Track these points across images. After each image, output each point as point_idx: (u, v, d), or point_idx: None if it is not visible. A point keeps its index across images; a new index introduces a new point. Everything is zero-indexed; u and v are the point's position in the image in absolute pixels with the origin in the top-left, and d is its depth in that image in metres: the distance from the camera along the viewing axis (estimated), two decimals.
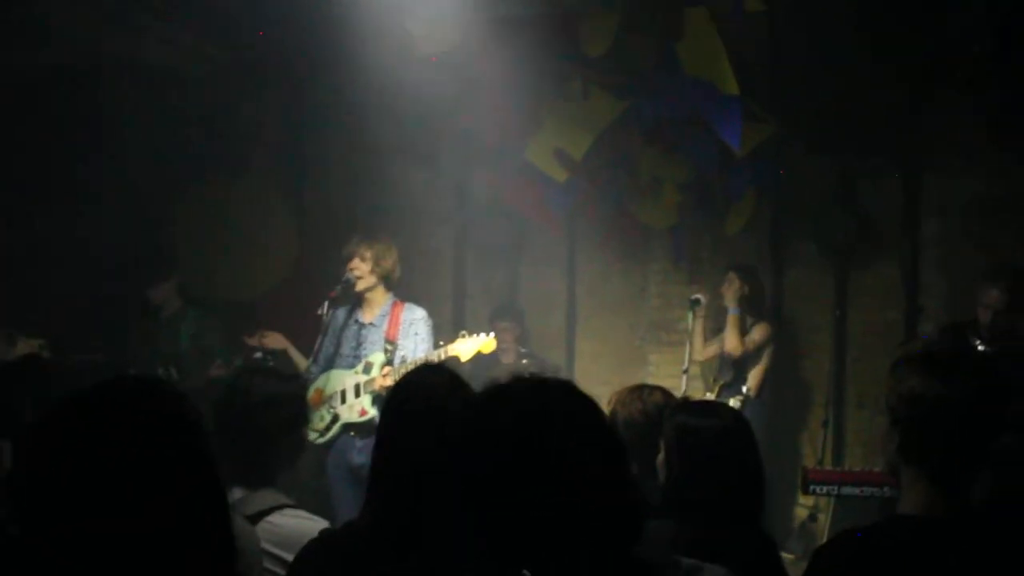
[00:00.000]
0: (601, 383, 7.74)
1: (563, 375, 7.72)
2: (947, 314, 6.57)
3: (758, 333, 6.72)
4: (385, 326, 5.55)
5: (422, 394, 2.55)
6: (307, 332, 5.73)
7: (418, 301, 5.73)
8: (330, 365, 5.67)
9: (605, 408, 3.47)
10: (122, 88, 6.25)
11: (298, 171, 7.97)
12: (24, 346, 4.38)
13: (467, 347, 5.36)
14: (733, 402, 6.13)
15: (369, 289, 5.56)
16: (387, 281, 5.59)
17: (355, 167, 7.83)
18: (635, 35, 5.86)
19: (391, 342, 5.49)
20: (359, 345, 5.58)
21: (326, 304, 5.63)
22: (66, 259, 6.34)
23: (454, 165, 7.75)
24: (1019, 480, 2.79)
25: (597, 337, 7.98)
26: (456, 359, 5.34)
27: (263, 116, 7.48)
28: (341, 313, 5.71)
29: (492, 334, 5.51)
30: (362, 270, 5.53)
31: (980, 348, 5.38)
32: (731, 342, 6.65)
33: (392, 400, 2.66)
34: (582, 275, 8.00)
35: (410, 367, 5.25)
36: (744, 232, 7.21)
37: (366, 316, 5.62)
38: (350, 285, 5.62)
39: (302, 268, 7.45)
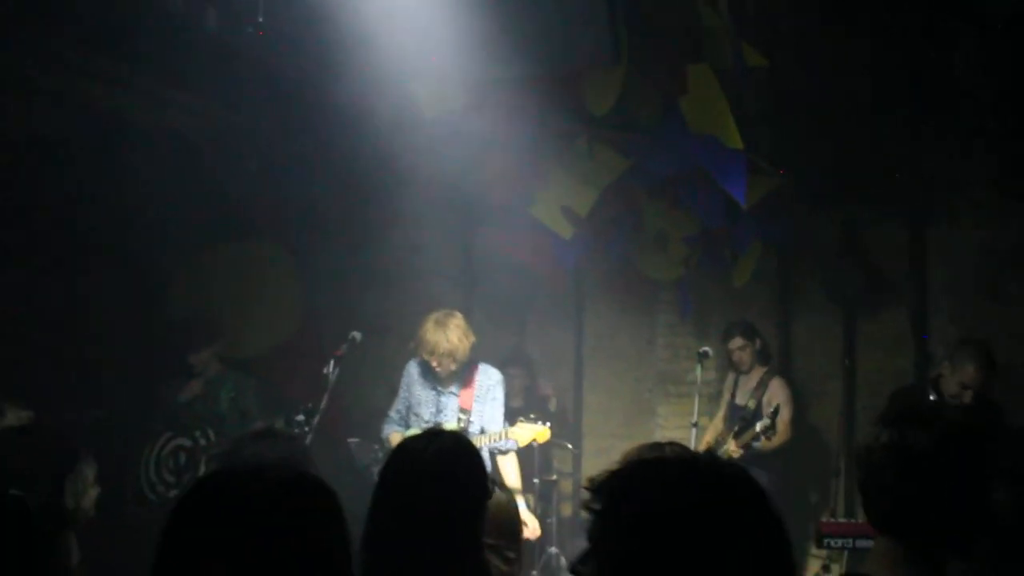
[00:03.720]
0: (609, 436, 7.75)
1: (570, 425, 7.71)
2: None
3: (781, 398, 6.61)
4: (460, 393, 5.54)
5: (419, 458, 2.57)
6: (309, 391, 5.71)
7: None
8: (405, 423, 5.70)
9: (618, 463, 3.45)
10: (132, 152, 6.30)
11: (302, 230, 8.01)
12: (12, 416, 4.34)
13: (524, 433, 5.34)
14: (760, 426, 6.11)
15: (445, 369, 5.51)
16: (461, 361, 5.49)
17: (360, 225, 7.87)
18: (639, 92, 5.91)
19: (465, 411, 5.46)
20: (438, 412, 5.56)
21: (332, 363, 5.61)
22: (64, 320, 6.35)
23: (461, 223, 7.80)
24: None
25: (605, 390, 7.97)
26: (514, 442, 5.36)
27: (267, 177, 7.53)
28: (414, 368, 5.69)
29: (548, 424, 5.44)
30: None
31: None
32: (782, 437, 6.50)
33: (392, 464, 2.65)
34: (589, 329, 8.00)
35: (484, 439, 5.31)
36: (751, 283, 7.21)
37: (444, 383, 5.59)
38: (355, 343, 5.63)
39: (308, 327, 7.47)
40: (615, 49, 5.00)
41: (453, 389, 5.57)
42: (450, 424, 5.44)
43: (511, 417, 7.17)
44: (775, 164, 6.48)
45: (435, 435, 2.72)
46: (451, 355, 5.38)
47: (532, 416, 7.01)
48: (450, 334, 5.39)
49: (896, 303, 7.20)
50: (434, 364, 5.44)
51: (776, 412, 6.25)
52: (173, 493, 6.31)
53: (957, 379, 5.42)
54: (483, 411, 5.49)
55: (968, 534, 1.99)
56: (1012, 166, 6.43)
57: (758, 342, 6.84)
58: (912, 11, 6.36)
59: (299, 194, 7.56)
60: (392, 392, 7.97)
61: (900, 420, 2.05)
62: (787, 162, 6.62)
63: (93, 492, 3.38)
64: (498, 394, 5.53)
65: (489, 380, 5.55)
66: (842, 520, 5.86)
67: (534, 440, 5.40)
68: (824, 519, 5.58)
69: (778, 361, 7.27)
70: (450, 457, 2.62)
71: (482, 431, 5.43)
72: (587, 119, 6.14)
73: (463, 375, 5.55)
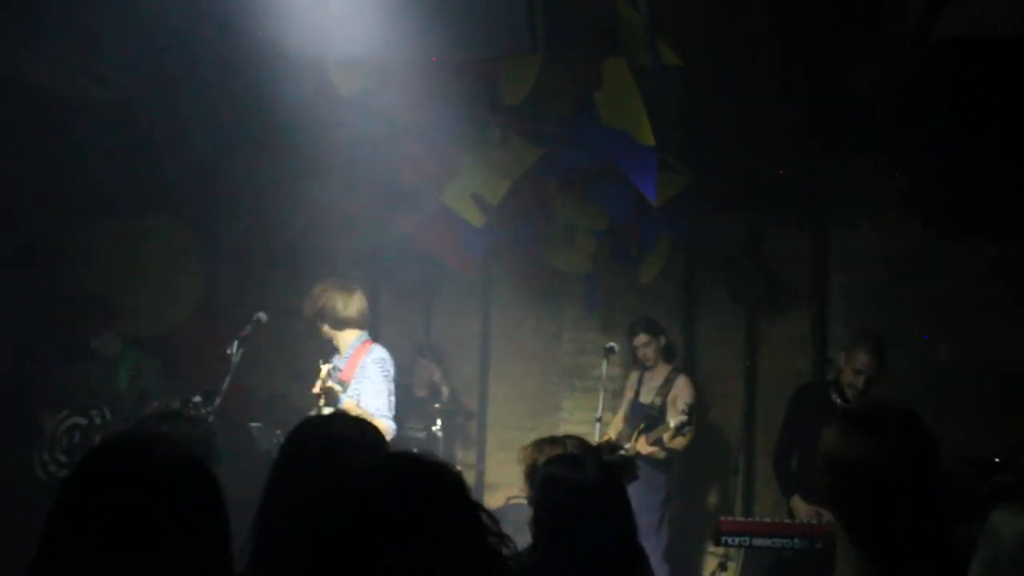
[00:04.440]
0: (514, 428, 7.74)
1: (475, 419, 7.70)
2: None
3: (687, 396, 6.66)
4: (344, 367, 5.48)
5: (322, 445, 2.47)
6: (215, 371, 5.58)
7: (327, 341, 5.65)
8: None
9: (523, 457, 3.44)
10: (24, 119, 6.05)
11: (208, 207, 7.82)
12: None
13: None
14: (675, 423, 6.20)
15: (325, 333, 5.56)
16: (334, 321, 5.53)
17: (269, 205, 7.73)
18: (553, 84, 5.91)
19: (343, 383, 5.38)
20: (328, 380, 5.42)
21: (236, 343, 5.49)
22: None
23: (370, 205, 7.70)
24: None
25: (510, 382, 7.96)
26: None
27: (173, 149, 7.33)
28: None
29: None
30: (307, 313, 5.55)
31: (838, 401, 5.62)
32: (680, 444, 6.53)
33: (288, 447, 2.55)
34: (496, 320, 7.99)
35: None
36: (657, 280, 7.28)
37: (339, 355, 5.58)
38: (260, 324, 5.52)
39: (212, 306, 7.30)
40: (532, 39, 4.97)
41: (339, 362, 5.52)
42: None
43: (415, 406, 7.16)
44: (685, 163, 6.56)
45: (328, 419, 2.64)
46: (319, 316, 5.52)
47: (438, 406, 7.04)
48: (314, 294, 5.53)
49: (796, 306, 7.36)
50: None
51: (694, 409, 6.32)
52: (64, 472, 6.14)
53: (850, 366, 5.56)
54: (360, 388, 5.41)
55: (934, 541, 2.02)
56: (908, 179, 6.62)
57: (662, 339, 6.85)
58: (821, 27, 6.50)
59: (204, 168, 7.38)
60: (295, 377, 7.88)
61: (879, 426, 2.04)
62: (696, 162, 6.70)
63: None
64: (373, 372, 5.41)
65: (368, 357, 5.48)
66: (740, 519, 5.96)
67: None
68: (723, 517, 5.66)
69: (682, 360, 7.36)
70: (345, 440, 2.55)
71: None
72: (501, 108, 6.12)
73: (351, 351, 5.52)
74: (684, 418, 6.22)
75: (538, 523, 2.82)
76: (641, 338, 6.84)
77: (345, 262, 7.92)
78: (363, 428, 2.60)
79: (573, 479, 2.80)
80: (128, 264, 7.02)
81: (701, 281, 7.56)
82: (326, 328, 5.56)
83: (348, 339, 5.57)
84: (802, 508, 5.56)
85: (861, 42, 6.18)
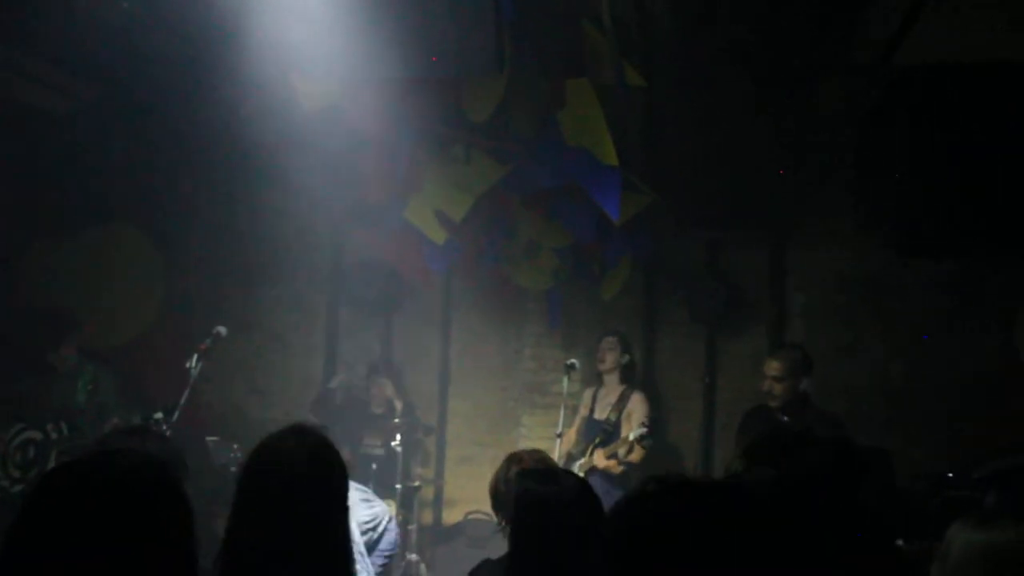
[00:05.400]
0: (473, 444, 7.74)
1: (435, 435, 7.68)
2: (809, 383, 6.78)
3: (642, 412, 6.63)
4: None
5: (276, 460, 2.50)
6: (173, 385, 5.51)
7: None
8: None
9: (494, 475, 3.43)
10: None
11: (167, 218, 7.74)
12: None
13: None
14: (634, 435, 6.22)
15: None
16: None
17: (227, 217, 7.68)
18: (518, 103, 5.94)
19: None
20: None
21: (195, 357, 5.44)
22: None
23: (331, 220, 7.68)
24: None
25: (470, 398, 7.94)
26: None
27: (133, 159, 7.26)
28: None
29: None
30: None
31: (785, 420, 5.71)
32: (637, 456, 6.49)
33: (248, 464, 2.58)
34: (457, 335, 7.97)
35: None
36: (618, 298, 7.31)
37: None
38: (219, 338, 5.49)
39: (170, 319, 7.23)
40: (498, 57, 5.00)
41: None
42: None
43: (372, 423, 7.13)
44: (648, 183, 6.61)
45: (300, 432, 2.63)
46: None
47: (396, 421, 7.01)
48: None
49: (756, 324, 7.42)
50: None
51: (649, 423, 6.34)
52: (18, 488, 6.05)
53: (766, 374, 5.74)
54: None
55: None
56: (867, 200, 6.74)
57: (627, 356, 6.85)
58: (785, 50, 6.60)
59: (164, 179, 7.32)
60: (253, 391, 7.82)
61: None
62: (659, 181, 6.75)
63: None
64: None
65: None
66: None
67: None
68: None
69: (641, 376, 7.39)
70: (316, 455, 2.56)
71: None
72: (466, 125, 6.13)
73: None
74: (644, 429, 6.23)
75: (516, 538, 2.81)
76: (610, 341, 6.84)
77: (305, 277, 7.90)
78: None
79: (550, 492, 2.80)
80: (88, 276, 6.94)
81: (662, 299, 7.60)
82: None
83: None
84: None
85: (825, 66, 6.29)
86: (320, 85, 5.70)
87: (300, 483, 2.45)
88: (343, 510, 2.56)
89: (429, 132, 6.20)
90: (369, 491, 4.95)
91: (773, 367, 5.73)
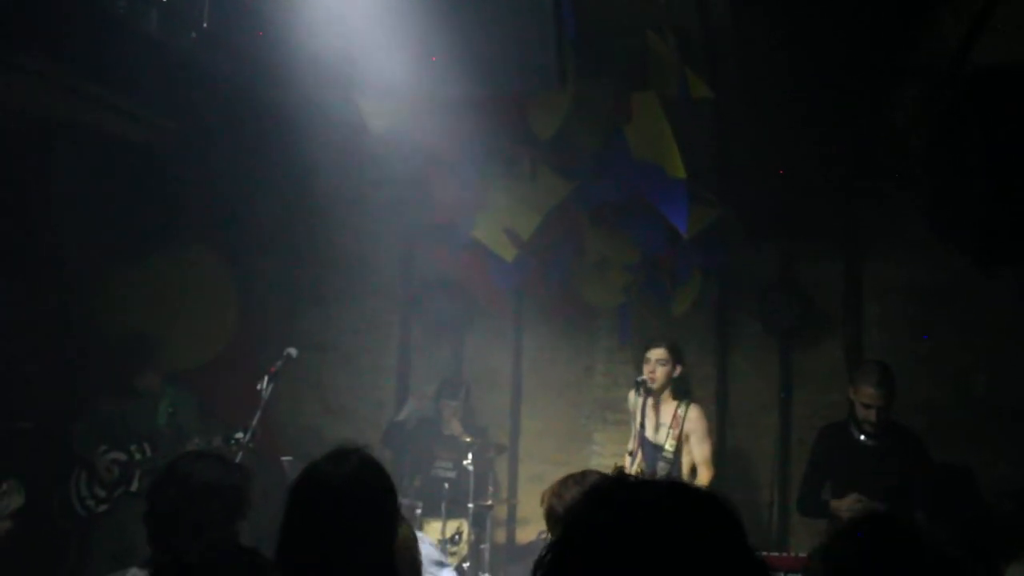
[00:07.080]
0: (545, 462, 7.69)
1: (507, 453, 7.66)
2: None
3: (702, 430, 6.11)
4: None
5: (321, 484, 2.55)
6: (242, 407, 5.58)
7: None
8: None
9: (543, 500, 3.38)
10: (68, 156, 6.15)
11: (241, 241, 7.88)
12: None
13: None
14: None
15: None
16: None
17: (300, 240, 7.79)
18: (584, 118, 5.92)
19: None
20: None
21: (266, 379, 5.49)
22: None
23: (401, 239, 7.74)
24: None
25: (541, 415, 7.92)
26: None
27: (208, 185, 7.40)
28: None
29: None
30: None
31: (869, 443, 5.65)
32: (704, 477, 6.04)
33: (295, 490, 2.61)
34: (528, 353, 7.96)
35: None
36: (690, 312, 7.23)
37: None
38: (291, 359, 5.53)
39: (244, 341, 7.34)
40: (561, 73, 4.99)
41: None
42: None
43: (443, 444, 7.14)
44: (717, 195, 6.53)
45: (343, 456, 2.63)
46: None
47: (468, 440, 7.00)
48: None
49: (831, 337, 7.28)
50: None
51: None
52: (103, 508, 6.20)
53: (860, 401, 5.59)
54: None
55: None
56: (942, 207, 6.56)
57: (679, 368, 6.13)
58: (855, 57, 6.47)
59: (237, 204, 7.44)
60: (327, 411, 7.90)
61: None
62: (729, 193, 6.67)
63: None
64: None
65: None
66: (774, 554, 5.84)
67: None
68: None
69: (715, 391, 7.29)
70: (361, 478, 2.59)
71: None
72: (531, 142, 6.13)
73: None
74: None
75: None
76: (658, 352, 6.06)
77: (376, 297, 7.96)
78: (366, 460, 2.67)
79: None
80: (165, 300, 7.08)
81: (734, 312, 7.50)
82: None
83: None
84: (843, 504, 5.51)
85: (897, 72, 6.16)
86: (385, 106, 5.75)
87: (340, 505, 2.51)
88: (387, 531, 2.59)
89: (495, 150, 6.21)
90: (446, 558, 4.92)
91: (872, 396, 5.55)
